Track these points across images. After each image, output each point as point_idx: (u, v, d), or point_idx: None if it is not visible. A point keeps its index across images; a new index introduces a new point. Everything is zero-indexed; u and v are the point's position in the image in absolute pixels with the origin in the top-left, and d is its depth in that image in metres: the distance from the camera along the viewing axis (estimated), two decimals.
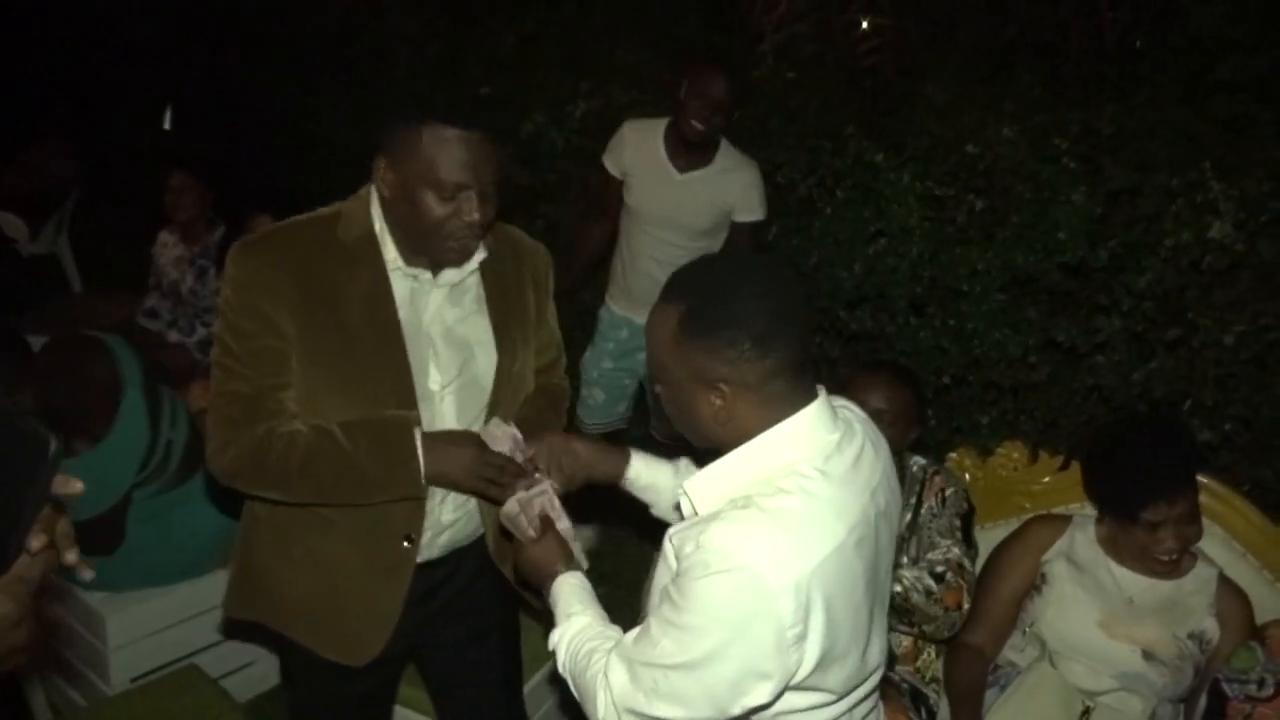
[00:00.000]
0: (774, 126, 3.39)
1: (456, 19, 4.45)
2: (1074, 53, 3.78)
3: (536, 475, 1.55)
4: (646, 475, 1.58)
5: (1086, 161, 2.65)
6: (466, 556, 1.77)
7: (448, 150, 1.45)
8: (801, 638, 1.13)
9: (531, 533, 1.48)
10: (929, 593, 1.99)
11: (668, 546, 1.23)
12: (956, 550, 2.05)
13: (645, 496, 1.60)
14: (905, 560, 2.09)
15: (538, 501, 1.49)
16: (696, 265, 1.31)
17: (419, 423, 1.57)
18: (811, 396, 1.24)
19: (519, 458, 1.56)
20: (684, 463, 1.61)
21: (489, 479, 1.54)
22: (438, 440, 1.56)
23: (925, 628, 2.03)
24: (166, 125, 5.32)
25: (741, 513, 1.15)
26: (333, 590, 1.65)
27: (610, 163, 3.06)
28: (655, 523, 1.52)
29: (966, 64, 3.52)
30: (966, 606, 2.02)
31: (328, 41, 4.80)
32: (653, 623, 1.20)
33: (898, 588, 1.98)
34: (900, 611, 1.99)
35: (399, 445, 1.53)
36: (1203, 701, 1.94)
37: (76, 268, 5.03)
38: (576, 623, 1.37)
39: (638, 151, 2.99)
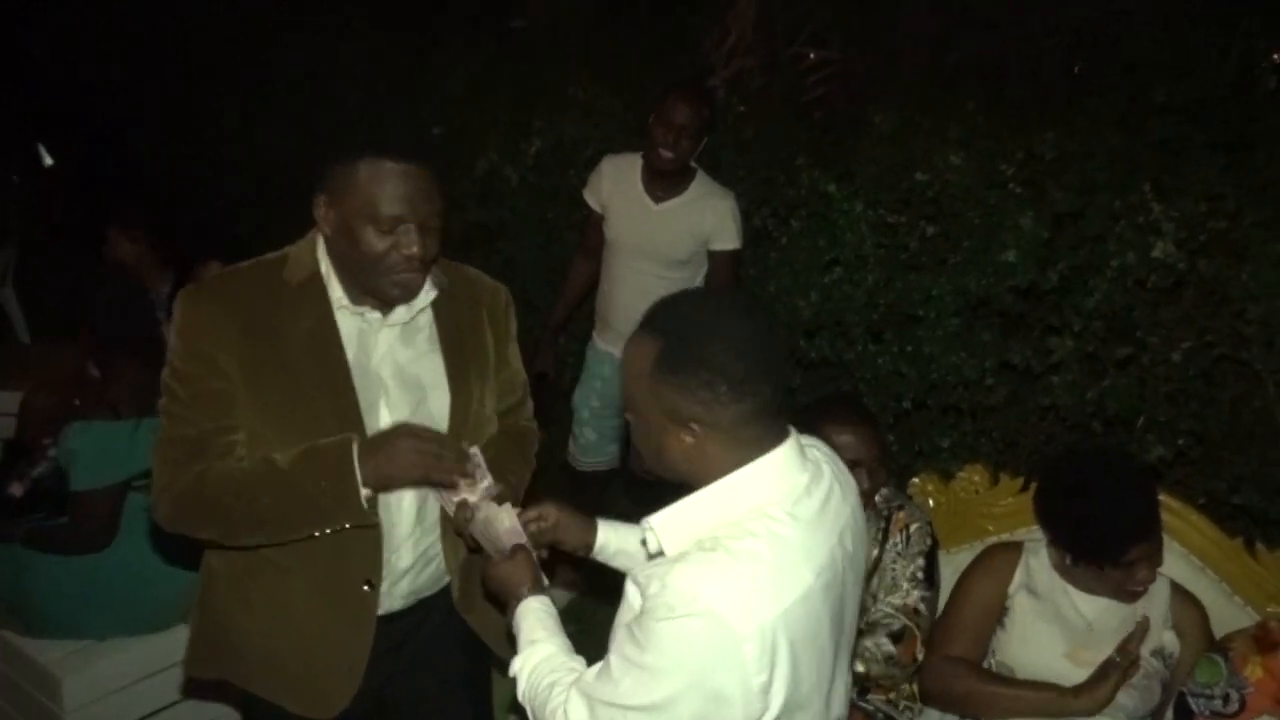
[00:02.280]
0: (726, 158, 3.43)
1: (405, 59, 4.45)
2: (1014, 79, 3.89)
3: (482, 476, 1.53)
4: (615, 543, 1.59)
5: (1031, 186, 2.70)
6: (432, 609, 1.75)
7: (384, 183, 1.45)
8: (766, 686, 1.12)
9: (503, 546, 1.46)
10: (889, 659, 2.01)
11: (631, 584, 1.23)
12: (915, 594, 2.06)
13: (617, 563, 1.60)
14: (867, 598, 2.09)
15: (504, 517, 1.48)
16: (678, 299, 1.30)
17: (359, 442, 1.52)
18: (783, 437, 1.24)
19: (485, 481, 1.53)
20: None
21: (431, 459, 1.50)
22: (370, 445, 1.50)
23: (884, 683, 2.04)
24: (46, 160, 5.20)
25: (708, 555, 1.14)
26: (295, 640, 1.62)
27: (590, 197, 3.11)
28: None
29: (911, 93, 3.59)
30: (921, 655, 2.03)
31: (278, 83, 4.78)
32: (614, 660, 1.18)
33: (859, 666, 1.98)
34: (860, 685, 1.99)
35: (336, 458, 1.49)
36: (1169, 718, 1.96)
37: (23, 318, 4.91)
38: (539, 651, 1.35)
39: (615, 184, 3.03)
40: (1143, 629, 1.91)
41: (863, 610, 1.92)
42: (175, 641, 2.42)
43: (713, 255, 2.99)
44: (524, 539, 1.49)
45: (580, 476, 3.31)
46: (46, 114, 6.05)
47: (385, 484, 1.53)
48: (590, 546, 1.59)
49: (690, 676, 1.11)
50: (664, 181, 2.95)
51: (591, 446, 3.24)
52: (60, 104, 5.97)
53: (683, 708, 1.12)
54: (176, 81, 5.29)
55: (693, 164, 3.00)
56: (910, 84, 3.87)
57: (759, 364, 1.19)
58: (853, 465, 1.45)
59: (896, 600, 2.06)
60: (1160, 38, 3.38)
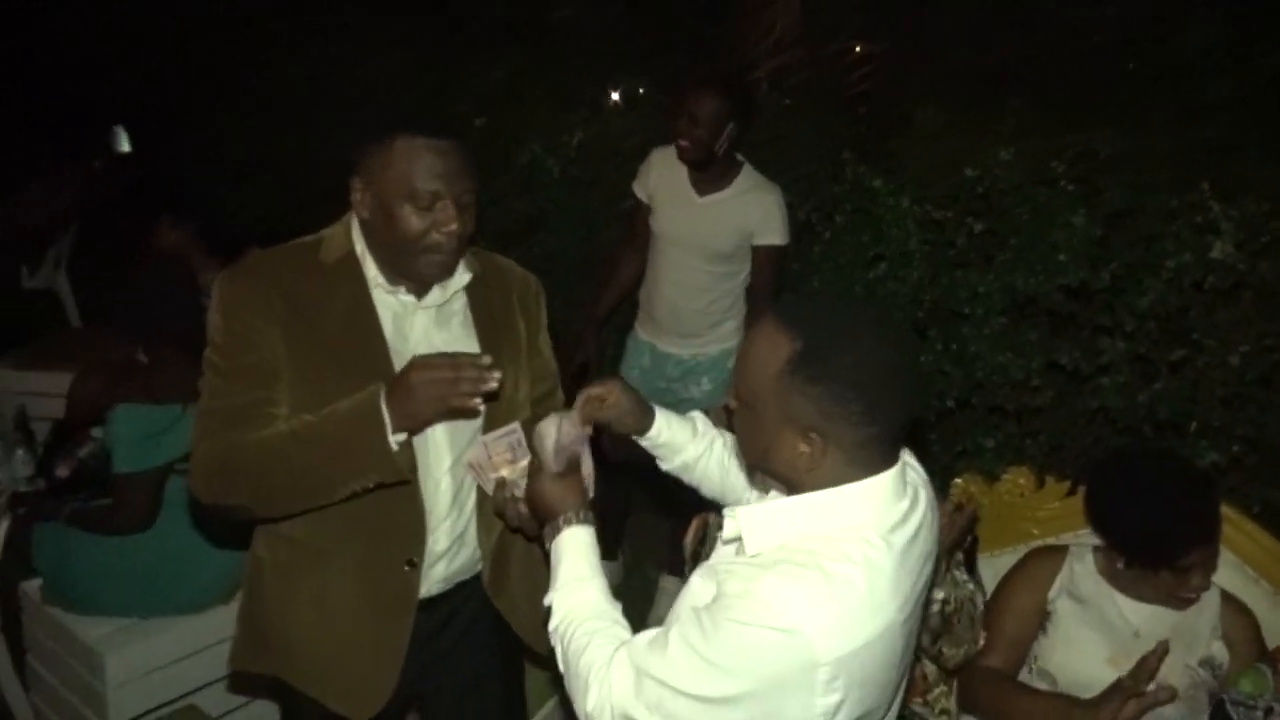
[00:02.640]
0: (770, 153, 3.41)
1: (444, 56, 4.47)
2: (1063, 75, 3.82)
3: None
4: (666, 434, 1.58)
5: (1084, 183, 2.65)
6: (467, 597, 1.75)
7: (420, 160, 1.45)
8: (830, 712, 1.09)
9: (554, 466, 1.42)
10: (973, 614, 1.95)
11: (702, 575, 1.20)
12: (970, 587, 2.02)
13: (659, 452, 1.60)
14: None
15: (574, 432, 1.45)
16: (822, 301, 1.27)
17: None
18: (894, 461, 1.19)
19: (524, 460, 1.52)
20: (701, 421, 1.61)
21: (446, 384, 1.42)
22: (390, 388, 1.46)
23: (946, 649, 1.97)
24: (124, 147, 5.22)
25: (802, 571, 1.10)
26: (338, 629, 1.63)
27: (639, 189, 3.11)
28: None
29: (956, 89, 3.54)
30: (982, 641, 1.99)
31: (307, 83, 4.82)
32: (674, 640, 1.14)
33: (939, 593, 1.91)
34: (938, 624, 1.94)
35: (363, 404, 1.46)
36: None
37: (75, 303, 5.02)
38: (582, 592, 1.31)
39: (662, 177, 3.02)
40: (1163, 649, 1.85)
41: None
42: (215, 622, 2.45)
43: (756, 250, 2.95)
44: (580, 454, 1.46)
45: (610, 464, 3.31)
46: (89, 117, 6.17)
47: (410, 422, 1.48)
48: (643, 432, 1.57)
49: (756, 685, 1.09)
50: (708, 174, 2.93)
51: None
52: (103, 107, 6.08)
53: (739, 710, 1.10)
54: (224, 77, 5.36)
55: (739, 157, 2.97)
56: (956, 79, 3.81)
57: (896, 391, 1.14)
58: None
59: (940, 594, 2.02)
60: (1216, 32, 3.31)
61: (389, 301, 1.57)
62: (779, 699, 1.08)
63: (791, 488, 1.20)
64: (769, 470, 1.23)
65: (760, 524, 1.19)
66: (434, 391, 1.42)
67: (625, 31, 4.43)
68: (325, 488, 1.50)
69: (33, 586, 2.58)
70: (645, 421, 1.57)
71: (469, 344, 1.64)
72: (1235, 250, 2.35)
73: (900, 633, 1.15)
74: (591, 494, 1.49)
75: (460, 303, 1.65)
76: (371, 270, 1.56)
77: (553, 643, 1.32)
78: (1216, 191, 2.42)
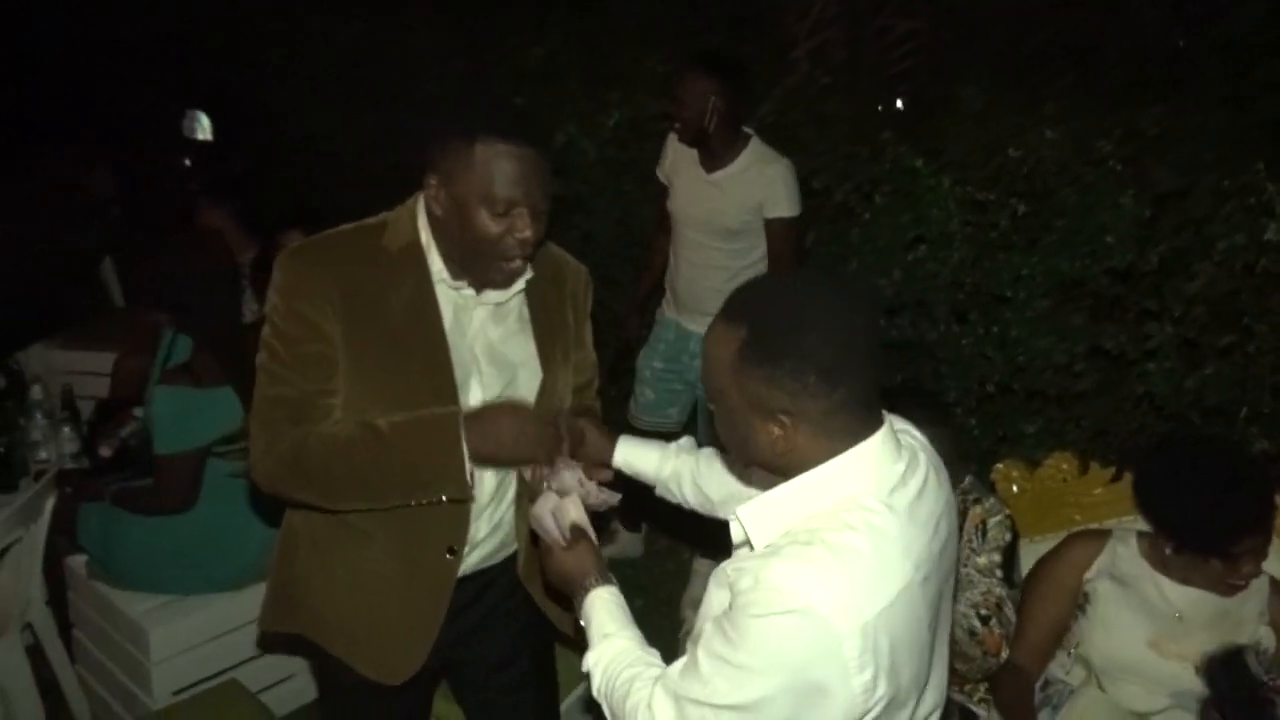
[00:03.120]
0: (808, 133, 3.36)
1: (480, 34, 4.46)
2: (1110, 54, 3.73)
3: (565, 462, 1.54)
4: (634, 463, 1.63)
5: (1132, 164, 2.59)
6: (499, 574, 1.76)
7: (501, 165, 1.44)
8: (869, 686, 1.07)
9: (561, 539, 1.43)
10: (972, 633, 1.95)
11: (716, 580, 1.19)
12: (999, 590, 2.00)
13: (641, 480, 1.64)
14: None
15: (570, 508, 1.45)
16: (762, 284, 1.25)
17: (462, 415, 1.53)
18: (876, 425, 1.17)
19: (571, 511, 1.50)
20: (679, 444, 1.65)
21: (534, 441, 1.51)
22: (471, 420, 1.50)
23: (958, 666, 1.98)
24: (204, 135, 5.24)
25: (805, 549, 1.09)
26: (371, 604, 1.64)
27: (660, 171, 3.15)
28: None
29: (1000, 67, 3.48)
30: (1004, 655, 1.97)
31: (347, 60, 4.83)
32: (703, 657, 1.13)
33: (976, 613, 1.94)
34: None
35: (443, 430, 1.49)
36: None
37: (119, 284, 5.09)
38: (614, 645, 1.31)
39: (675, 158, 3.06)
40: None
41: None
42: (255, 599, 2.46)
43: (768, 224, 2.93)
44: (587, 528, 1.46)
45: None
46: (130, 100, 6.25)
47: (484, 461, 1.53)
48: (606, 464, 1.62)
49: (786, 676, 1.07)
50: (711, 151, 2.93)
51: (651, 405, 3.27)
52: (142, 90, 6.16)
53: (777, 707, 1.08)
54: (266, 57, 5.40)
55: (746, 130, 2.96)
56: (1000, 57, 3.74)
57: (850, 351, 1.12)
58: None
59: (975, 596, 1.99)
60: (1268, 8, 3.21)
61: (450, 294, 1.57)
62: (812, 684, 1.07)
63: (782, 473, 1.19)
64: (754, 461, 1.22)
65: (760, 518, 1.18)
66: (521, 441, 1.50)
67: (663, 10, 4.39)
68: (391, 497, 1.54)
69: (78, 561, 2.63)
70: (606, 451, 1.62)
71: (524, 340, 1.64)
72: None
73: (920, 592, 1.13)
74: (615, 500, 1.53)
75: (518, 299, 1.64)
76: (436, 263, 1.55)
77: (601, 704, 1.31)
78: (1272, 172, 2.35)
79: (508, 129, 1.45)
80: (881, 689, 1.08)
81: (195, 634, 2.49)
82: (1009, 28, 4.04)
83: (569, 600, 1.43)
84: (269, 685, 2.61)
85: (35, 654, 2.57)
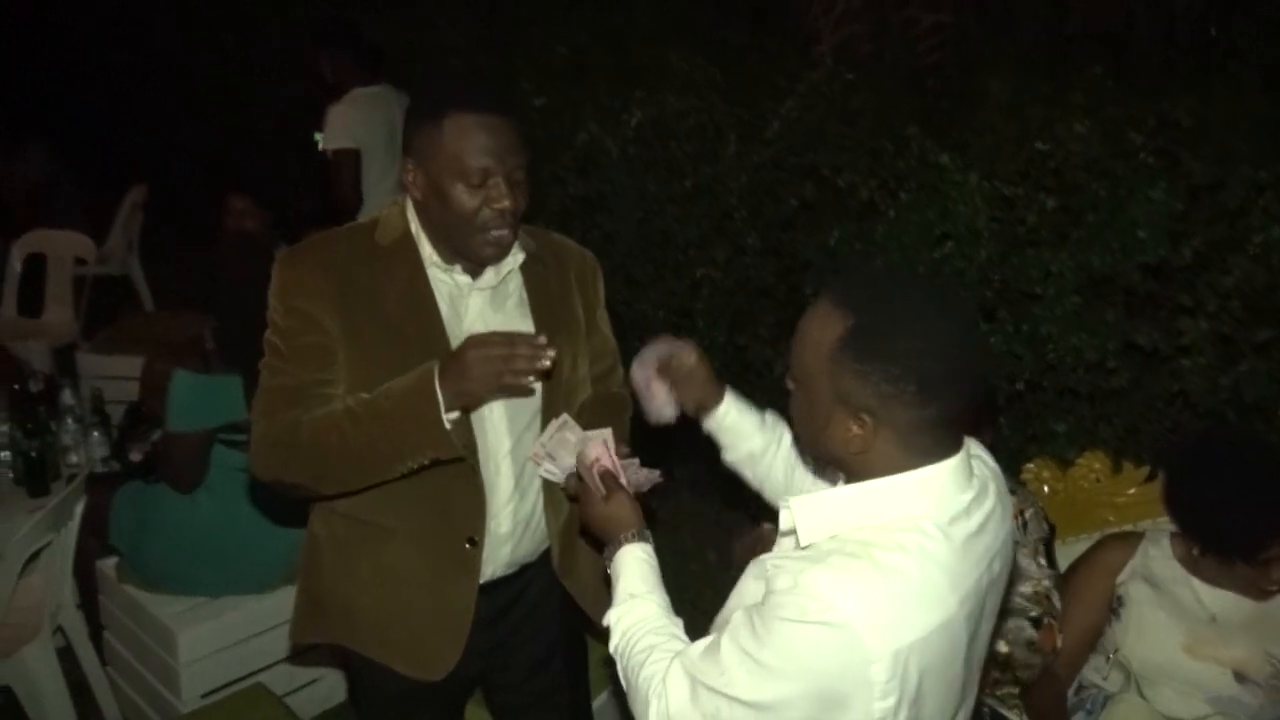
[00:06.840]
0: (832, 129, 3.32)
1: (505, 30, 4.46)
2: (1142, 42, 3.64)
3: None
4: (734, 416, 1.56)
5: (1164, 155, 2.53)
6: (534, 576, 1.75)
7: (470, 137, 1.45)
8: (890, 713, 1.04)
9: (602, 489, 1.42)
10: (1030, 644, 1.92)
11: (753, 572, 1.17)
12: (1046, 582, 1.97)
13: (724, 438, 1.57)
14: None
15: (595, 452, 1.44)
16: (878, 276, 1.21)
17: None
18: (956, 449, 1.13)
19: (601, 458, 1.47)
20: (771, 416, 1.57)
21: (500, 361, 1.41)
22: (444, 366, 1.45)
23: (1021, 674, 1.95)
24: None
25: (852, 561, 1.06)
26: (400, 602, 1.64)
27: None
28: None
29: (1028, 58, 3.41)
30: (1060, 644, 1.94)
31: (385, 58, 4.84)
32: (726, 645, 1.11)
33: (1002, 647, 1.90)
34: (1002, 666, 1.92)
35: (416, 380, 1.46)
36: None
37: (148, 288, 5.15)
38: (639, 608, 1.29)
39: None
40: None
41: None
42: (282, 602, 2.50)
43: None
44: (622, 477, 1.44)
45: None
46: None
47: (464, 400, 1.48)
48: (711, 408, 1.56)
49: (808, 684, 1.04)
50: None
51: None
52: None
53: (792, 711, 1.06)
54: (289, 54, 5.43)
55: None
56: (1029, 48, 3.67)
57: (957, 371, 1.08)
58: None
59: (1027, 589, 1.97)
60: None
61: (444, 281, 1.58)
62: (832, 699, 1.04)
63: (848, 473, 1.16)
64: (823, 453, 1.19)
65: (814, 513, 1.14)
66: (488, 369, 1.41)
67: (686, 4, 4.36)
68: (381, 465, 1.51)
69: (109, 565, 2.67)
70: (714, 396, 1.55)
71: (524, 324, 1.63)
72: None
73: (963, 627, 1.09)
74: (656, 478, 1.49)
75: (516, 283, 1.64)
76: (427, 249, 1.56)
77: (615, 660, 1.30)
78: None
79: (474, 100, 1.46)
80: (902, 717, 1.06)
81: (223, 636, 2.51)
82: (1037, 17, 3.96)
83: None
84: (296, 688, 2.63)
85: (66, 656, 2.61)
